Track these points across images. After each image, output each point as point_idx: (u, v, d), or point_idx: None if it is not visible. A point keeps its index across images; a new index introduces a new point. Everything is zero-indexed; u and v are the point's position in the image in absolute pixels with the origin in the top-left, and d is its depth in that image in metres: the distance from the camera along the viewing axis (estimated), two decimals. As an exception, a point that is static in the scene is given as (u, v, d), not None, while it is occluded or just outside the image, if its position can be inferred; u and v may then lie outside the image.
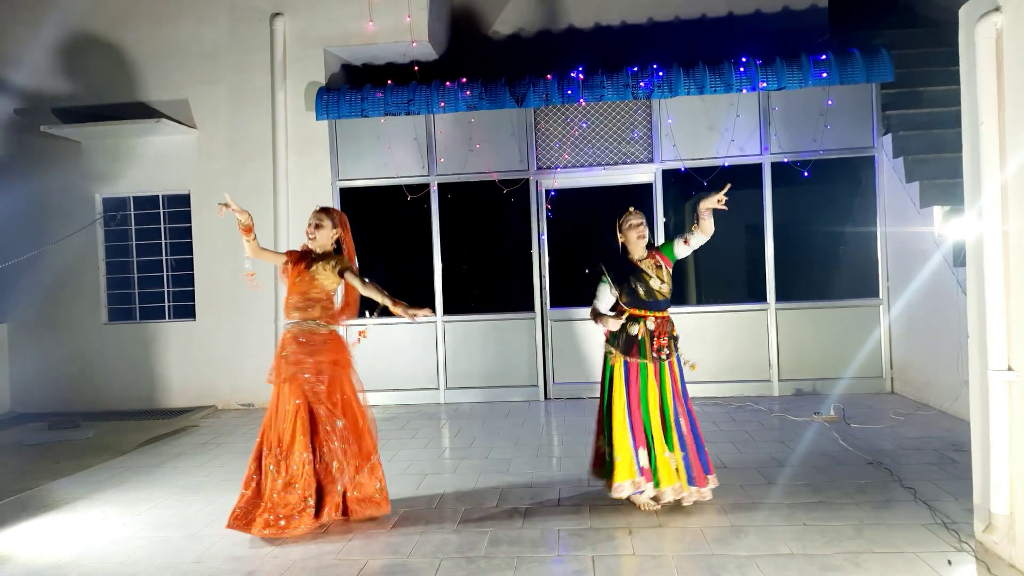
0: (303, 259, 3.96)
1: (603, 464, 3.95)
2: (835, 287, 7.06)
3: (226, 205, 3.73)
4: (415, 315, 3.56)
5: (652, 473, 3.80)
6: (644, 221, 3.98)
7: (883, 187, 6.82)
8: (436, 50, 7.61)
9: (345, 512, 3.85)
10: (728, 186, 3.75)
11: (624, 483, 3.78)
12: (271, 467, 3.73)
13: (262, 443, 3.81)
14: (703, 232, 3.85)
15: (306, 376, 3.78)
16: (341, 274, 3.87)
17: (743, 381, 6.99)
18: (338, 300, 4.04)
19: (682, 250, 3.95)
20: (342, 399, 3.89)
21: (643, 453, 3.81)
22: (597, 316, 3.95)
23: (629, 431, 3.82)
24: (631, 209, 4.01)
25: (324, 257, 3.93)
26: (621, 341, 3.89)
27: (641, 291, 3.89)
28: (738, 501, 3.96)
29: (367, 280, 3.80)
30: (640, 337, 3.86)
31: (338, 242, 4.02)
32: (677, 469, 3.80)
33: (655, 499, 3.84)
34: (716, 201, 3.74)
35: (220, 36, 7.47)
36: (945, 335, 5.78)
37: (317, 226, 3.93)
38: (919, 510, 3.71)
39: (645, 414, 3.84)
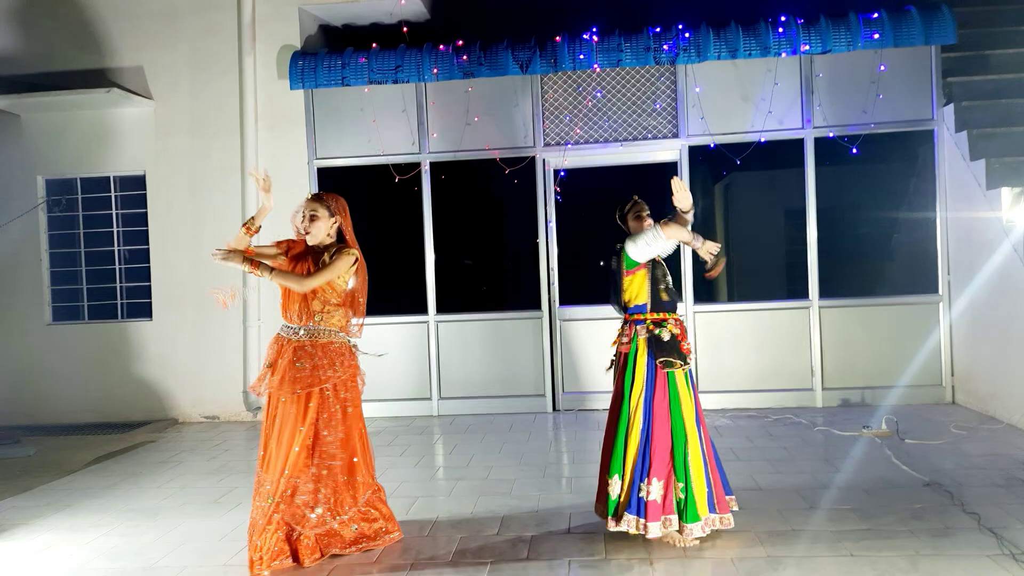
0: (305, 256, 3.89)
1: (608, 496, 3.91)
2: (888, 282, 7.04)
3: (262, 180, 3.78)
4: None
5: (679, 504, 3.75)
6: (650, 212, 4.09)
7: (944, 166, 6.80)
8: (428, 8, 7.59)
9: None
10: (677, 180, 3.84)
11: (630, 518, 3.76)
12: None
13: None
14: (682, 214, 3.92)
15: (323, 392, 3.78)
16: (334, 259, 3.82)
17: (782, 390, 6.99)
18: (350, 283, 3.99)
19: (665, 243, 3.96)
20: (352, 425, 3.90)
21: (657, 485, 3.73)
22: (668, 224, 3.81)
23: (641, 458, 3.78)
24: (636, 197, 4.12)
25: (326, 250, 3.87)
26: (648, 348, 3.87)
27: (662, 288, 3.92)
28: (775, 528, 3.96)
29: (312, 276, 3.74)
30: (669, 343, 3.84)
31: (339, 231, 3.95)
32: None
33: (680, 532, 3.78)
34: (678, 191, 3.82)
35: (179, -7, 7.48)
36: (1015, 337, 5.77)
37: (312, 218, 3.85)
38: (983, 539, 3.70)
39: (679, 435, 3.79)
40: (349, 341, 3.98)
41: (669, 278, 3.97)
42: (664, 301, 3.92)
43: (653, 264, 3.94)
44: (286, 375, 3.74)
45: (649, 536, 3.73)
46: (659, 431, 3.78)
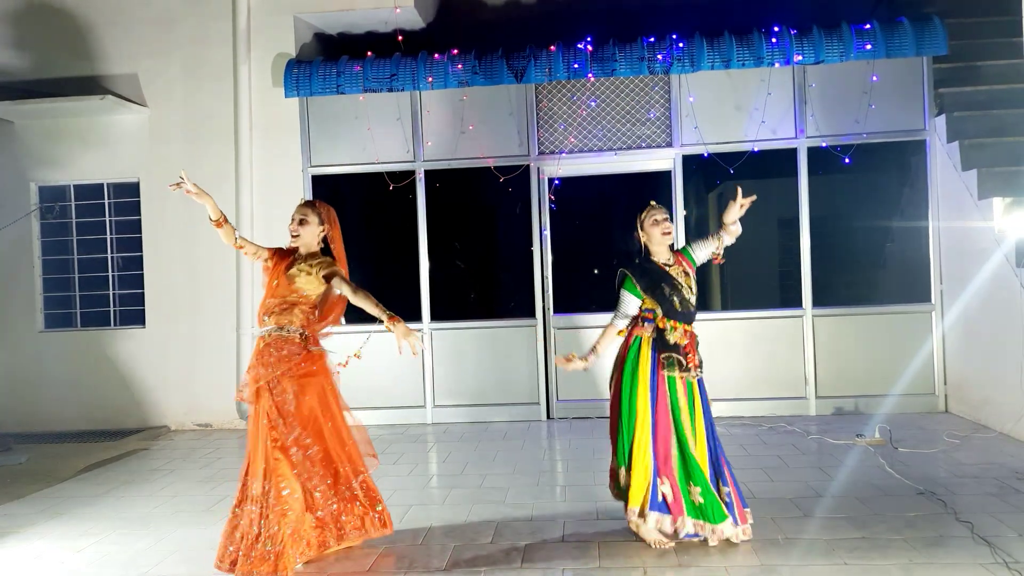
0: (284, 258, 3.98)
1: (618, 483, 3.97)
2: (881, 291, 7.07)
3: (179, 184, 3.78)
4: (410, 341, 3.63)
5: (701, 508, 3.79)
6: (668, 216, 4.04)
7: (935, 176, 6.83)
8: (423, 17, 7.62)
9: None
10: (752, 197, 3.89)
11: (636, 508, 3.82)
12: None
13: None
14: (729, 236, 3.99)
15: (274, 389, 3.78)
16: (328, 279, 3.88)
17: (775, 399, 7.00)
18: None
19: (704, 257, 4.08)
20: (324, 416, 3.90)
21: (667, 485, 3.80)
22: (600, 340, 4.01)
23: (652, 455, 3.82)
24: (653, 203, 4.05)
25: (309, 258, 3.95)
26: (651, 346, 3.89)
27: (676, 301, 3.90)
28: (769, 537, 3.96)
29: (358, 287, 3.81)
30: (674, 345, 3.86)
31: (325, 241, 4.04)
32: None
33: (705, 540, 3.82)
34: (740, 207, 3.88)
35: (174, 0, 7.47)
36: (1007, 346, 5.79)
37: (301, 222, 3.95)
38: (977, 548, 3.71)
39: (681, 437, 3.82)
40: (318, 344, 4.02)
41: (686, 291, 3.92)
42: (679, 312, 3.89)
43: (657, 288, 3.92)
44: (255, 372, 3.83)
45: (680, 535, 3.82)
46: (662, 430, 3.82)
